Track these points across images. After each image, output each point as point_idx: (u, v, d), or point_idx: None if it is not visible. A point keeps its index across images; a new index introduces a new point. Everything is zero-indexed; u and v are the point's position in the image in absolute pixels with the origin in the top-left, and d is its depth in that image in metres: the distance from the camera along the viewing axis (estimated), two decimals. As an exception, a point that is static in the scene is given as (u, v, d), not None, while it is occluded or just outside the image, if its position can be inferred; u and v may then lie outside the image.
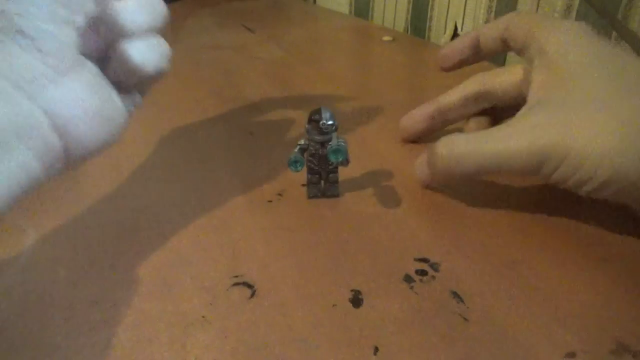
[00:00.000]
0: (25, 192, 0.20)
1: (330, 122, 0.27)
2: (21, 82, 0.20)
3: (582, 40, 0.26)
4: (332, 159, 0.27)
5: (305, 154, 0.28)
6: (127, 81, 0.24)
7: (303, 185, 0.30)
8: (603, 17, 0.40)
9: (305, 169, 0.28)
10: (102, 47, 0.24)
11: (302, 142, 0.28)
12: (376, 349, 0.20)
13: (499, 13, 0.51)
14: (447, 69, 0.33)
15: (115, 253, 0.25)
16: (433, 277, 0.24)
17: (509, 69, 0.32)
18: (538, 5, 0.47)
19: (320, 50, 0.53)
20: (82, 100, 0.22)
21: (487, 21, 0.52)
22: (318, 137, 0.27)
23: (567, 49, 0.26)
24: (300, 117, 0.38)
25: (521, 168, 0.24)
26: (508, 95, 0.31)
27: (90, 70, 0.24)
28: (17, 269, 0.25)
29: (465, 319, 0.21)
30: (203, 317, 0.22)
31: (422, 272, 0.24)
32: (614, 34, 0.42)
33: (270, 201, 0.29)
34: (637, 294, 0.22)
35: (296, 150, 0.28)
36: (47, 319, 0.22)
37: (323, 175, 0.29)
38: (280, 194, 0.30)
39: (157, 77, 0.25)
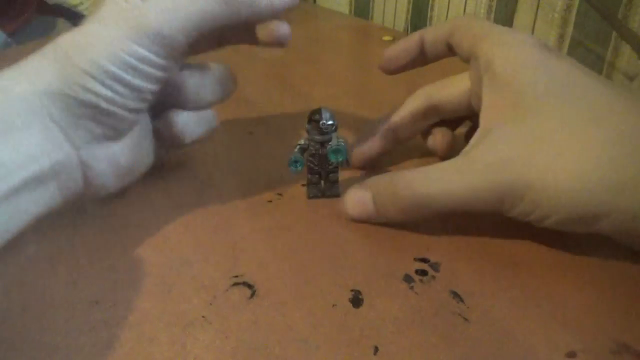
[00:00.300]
0: (40, 217, 0.23)
1: (330, 122, 0.27)
2: (78, 141, 0.23)
3: (533, 58, 0.24)
4: (332, 159, 0.27)
5: (305, 154, 0.28)
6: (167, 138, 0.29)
7: (303, 185, 0.30)
8: (603, 17, 0.40)
9: (305, 169, 0.28)
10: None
11: (302, 142, 0.28)
12: (376, 349, 0.20)
13: (498, 13, 0.51)
14: (391, 72, 0.31)
15: (115, 253, 0.25)
16: (433, 277, 0.24)
17: (455, 80, 0.30)
18: (538, 6, 0.47)
19: (320, 50, 0.53)
20: (118, 162, 0.26)
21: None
22: (318, 137, 0.27)
23: (517, 69, 0.24)
24: (300, 117, 0.38)
25: (482, 207, 0.24)
26: (458, 108, 0.30)
27: (142, 128, 0.28)
28: (17, 269, 0.25)
29: (465, 319, 0.21)
30: (203, 317, 0.22)
31: (422, 272, 0.24)
32: (614, 34, 0.42)
33: (270, 201, 0.29)
34: (637, 294, 0.22)
35: (296, 150, 0.28)
36: (47, 319, 0.22)
37: (323, 175, 0.29)
38: (280, 194, 0.30)
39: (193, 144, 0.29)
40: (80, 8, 0.70)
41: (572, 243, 0.25)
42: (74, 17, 0.71)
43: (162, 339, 0.21)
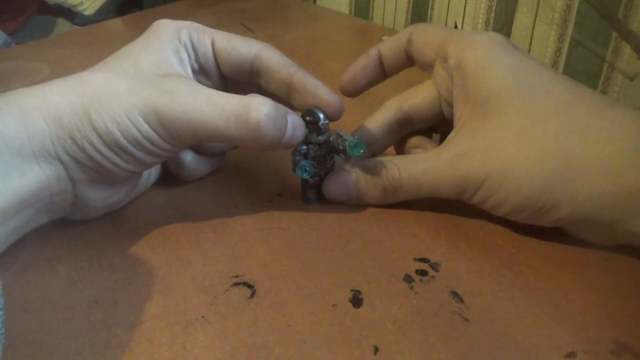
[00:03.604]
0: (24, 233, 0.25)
1: (327, 120, 0.27)
2: (77, 181, 0.24)
3: (500, 56, 0.25)
4: (355, 154, 0.26)
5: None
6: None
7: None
8: (603, 17, 0.40)
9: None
10: None
11: (301, 148, 0.27)
12: (376, 349, 0.20)
13: (498, 13, 0.51)
14: (352, 94, 0.31)
15: (115, 253, 0.25)
16: (433, 277, 0.24)
17: (422, 88, 0.30)
18: (538, 5, 0.47)
19: (320, 50, 0.53)
20: (110, 200, 0.27)
21: (487, 21, 0.52)
22: (320, 138, 0.27)
23: (485, 67, 0.25)
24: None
25: (447, 194, 0.26)
26: (429, 115, 0.30)
27: (140, 177, 0.29)
28: (17, 269, 0.25)
29: (465, 319, 0.21)
30: (203, 317, 0.22)
31: (422, 272, 0.24)
32: (614, 34, 0.42)
33: (270, 201, 0.29)
34: (637, 294, 0.22)
35: (297, 157, 0.27)
36: (47, 319, 0.22)
37: (322, 175, 0.29)
38: (280, 194, 0.30)
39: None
40: (80, 8, 0.70)
41: (572, 243, 0.25)
42: (74, 17, 0.71)
43: (162, 339, 0.21)
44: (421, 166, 0.26)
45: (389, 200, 0.28)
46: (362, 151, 0.26)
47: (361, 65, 0.30)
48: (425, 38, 0.28)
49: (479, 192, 0.24)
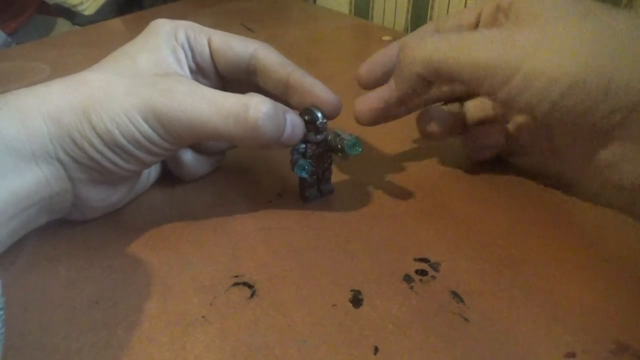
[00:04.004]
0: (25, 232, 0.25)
1: (324, 119, 0.27)
2: (76, 180, 0.24)
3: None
4: (353, 152, 0.26)
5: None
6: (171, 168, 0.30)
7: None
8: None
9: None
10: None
11: (299, 147, 0.27)
12: (376, 349, 0.20)
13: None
14: (369, 85, 0.30)
15: (115, 253, 0.25)
16: (433, 277, 0.24)
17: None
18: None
19: (320, 50, 0.53)
20: (110, 200, 0.27)
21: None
22: (319, 137, 0.27)
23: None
24: (300, 117, 0.38)
25: (470, 78, 0.23)
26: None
27: (140, 175, 0.29)
28: (17, 269, 0.25)
29: (465, 319, 0.21)
30: (203, 317, 0.22)
31: (422, 272, 0.24)
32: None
33: (270, 201, 0.29)
34: (637, 294, 0.22)
35: (295, 156, 0.27)
36: (47, 319, 0.22)
37: (320, 174, 0.29)
38: (279, 194, 0.30)
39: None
40: (80, 8, 0.70)
41: (573, 243, 0.25)
42: (74, 17, 0.71)
43: (162, 339, 0.21)
44: (462, 45, 0.23)
45: (426, 82, 0.25)
46: (360, 150, 0.26)
47: (380, 55, 0.30)
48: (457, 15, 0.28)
49: (512, 81, 0.22)
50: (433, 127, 0.30)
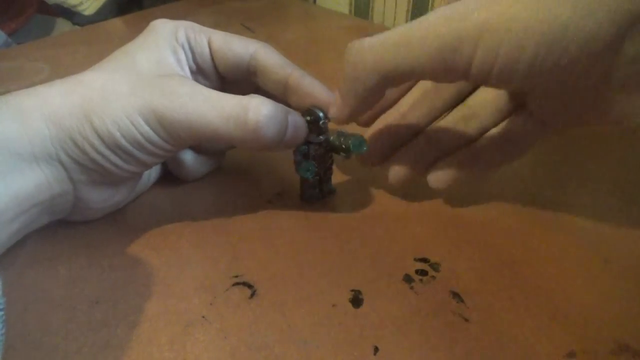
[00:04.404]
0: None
1: (326, 119, 0.27)
2: (77, 181, 0.24)
3: None
4: (359, 151, 0.26)
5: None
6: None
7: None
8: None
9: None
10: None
11: (302, 148, 0.27)
12: (376, 349, 0.20)
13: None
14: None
15: (115, 253, 0.25)
16: (433, 277, 0.24)
17: None
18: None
19: (320, 50, 0.53)
20: (112, 200, 0.27)
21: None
22: (321, 137, 0.27)
23: None
24: (300, 117, 0.38)
25: (433, 58, 0.20)
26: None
27: (141, 176, 0.29)
28: (17, 269, 0.25)
29: (465, 319, 0.21)
30: (203, 317, 0.22)
31: (422, 272, 0.24)
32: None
33: (270, 201, 0.29)
34: (637, 294, 0.22)
35: (299, 157, 0.27)
36: (47, 319, 0.22)
37: (321, 174, 0.29)
38: (279, 194, 0.30)
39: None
40: (80, 8, 0.70)
41: (573, 243, 0.25)
42: (74, 17, 0.71)
43: (162, 339, 0.21)
44: (398, 30, 0.21)
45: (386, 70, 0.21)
46: (365, 148, 0.26)
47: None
48: None
49: (477, 55, 0.19)
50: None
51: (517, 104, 0.26)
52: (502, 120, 0.27)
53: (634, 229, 0.26)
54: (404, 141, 0.28)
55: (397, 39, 0.21)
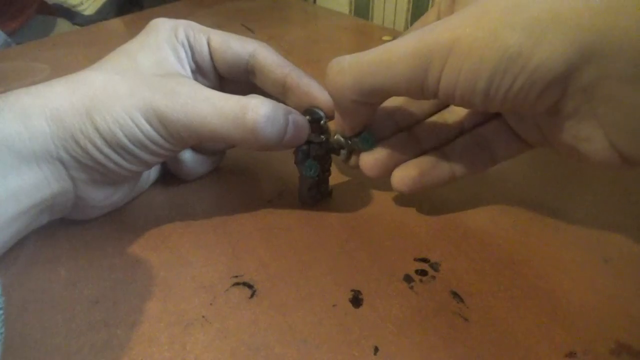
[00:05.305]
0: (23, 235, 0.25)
1: (326, 118, 0.27)
2: (78, 180, 0.24)
3: None
4: (367, 147, 0.26)
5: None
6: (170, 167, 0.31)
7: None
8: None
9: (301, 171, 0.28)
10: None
11: (303, 148, 0.27)
12: (376, 349, 0.20)
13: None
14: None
15: (115, 253, 0.25)
16: (433, 277, 0.24)
17: None
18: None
19: (320, 50, 0.53)
20: (111, 199, 0.27)
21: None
22: (322, 137, 0.27)
23: None
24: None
25: (407, 78, 0.21)
26: None
27: (142, 175, 0.29)
28: (17, 269, 0.25)
29: (465, 319, 0.21)
30: (203, 317, 0.22)
31: (422, 272, 0.24)
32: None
33: (270, 201, 0.29)
34: (637, 294, 0.22)
35: (301, 157, 0.27)
36: (47, 319, 0.22)
37: (322, 175, 0.29)
38: (280, 194, 0.30)
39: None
40: (80, 8, 0.70)
41: (573, 243, 0.25)
42: (74, 17, 0.71)
43: (162, 339, 0.21)
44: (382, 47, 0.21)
45: (364, 91, 0.22)
46: (373, 144, 0.26)
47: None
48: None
49: (443, 75, 0.20)
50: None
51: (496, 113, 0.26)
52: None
53: (634, 229, 0.26)
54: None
55: (374, 58, 0.21)
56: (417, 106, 0.28)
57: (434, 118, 0.28)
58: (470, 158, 0.26)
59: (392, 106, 0.28)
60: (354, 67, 0.22)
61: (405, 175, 0.26)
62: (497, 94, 0.19)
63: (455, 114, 0.28)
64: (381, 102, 0.24)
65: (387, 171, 0.27)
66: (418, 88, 0.21)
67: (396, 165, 0.27)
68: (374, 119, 0.27)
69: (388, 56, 0.21)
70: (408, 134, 0.28)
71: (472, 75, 0.19)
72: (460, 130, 0.27)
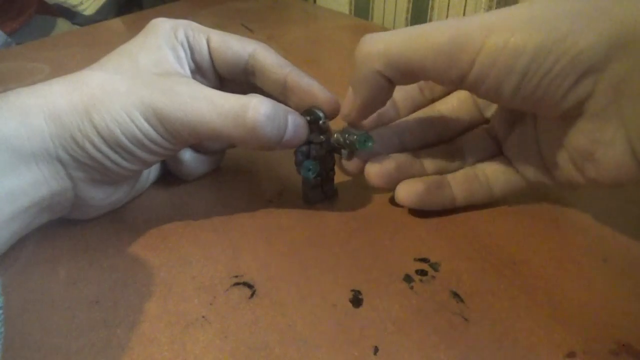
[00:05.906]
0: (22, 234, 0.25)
1: (326, 118, 0.27)
2: (77, 179, 0.24)
3: None
4: (365, 147, 0.26)
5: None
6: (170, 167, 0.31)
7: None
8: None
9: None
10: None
11: (303, 148, 0.27)
12: (376, 349, 0.20)
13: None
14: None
15: (115, 253, 0.25)
16: (433, 277, 0.24)
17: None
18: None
19: (320, 50, 0.53)
20: (110, 199, 0.27)
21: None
22: (322, 137, 0.27)
23: None
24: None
25: (440, 54, 0.21)
26: None
27: (141, 174, 0.29)
28: (17, 269, 0.25)
29: (465, 319, 0.21)
30: (203, 317, 0.22)
31: (422, 272, 0.24)
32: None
33: (271, 201, 0.29)
34: (637, 294, 0.22)
35: (300, 157, 0.27)
36: (47, 319, 0.22)
37: (323, 175, 0.28)
38: (280, 194, 0.30)
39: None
40: (80, 8, 0.70)
41: (573, 243, 0.25)
42: (74, 17, 0.71)
43: (162, 339, 0.21)
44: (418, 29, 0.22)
45: (395, 70, 0.23)
46: (371, 144, 0.26)
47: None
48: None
49: (477, 60, 0.20)
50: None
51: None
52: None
53: (633, 229, 0.26)
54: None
55: (411, 33, 0.22)
56: (423, 131, 0.29)
57: (437, 148, 0.29)
58: (470, 190, 0.27)
59: (399, 126, 0.29)
60: (387, 37, 0.22)
61: (411, 189, 0.27)
62: (532, 79, 0.20)
63: (457, 145, 0.29)
64: (402, 83, 0.24)
65: (392, 183, 0.27)
66: (448, 66, 0.21)
67: (400, 179, 0.27)
68: (381, 135, 0.28)
69: (424, 34, 0.22)
70: (413, 155, 0.28)
71: (512, 60, 0.20)
72: (462, 161, 0.29)
